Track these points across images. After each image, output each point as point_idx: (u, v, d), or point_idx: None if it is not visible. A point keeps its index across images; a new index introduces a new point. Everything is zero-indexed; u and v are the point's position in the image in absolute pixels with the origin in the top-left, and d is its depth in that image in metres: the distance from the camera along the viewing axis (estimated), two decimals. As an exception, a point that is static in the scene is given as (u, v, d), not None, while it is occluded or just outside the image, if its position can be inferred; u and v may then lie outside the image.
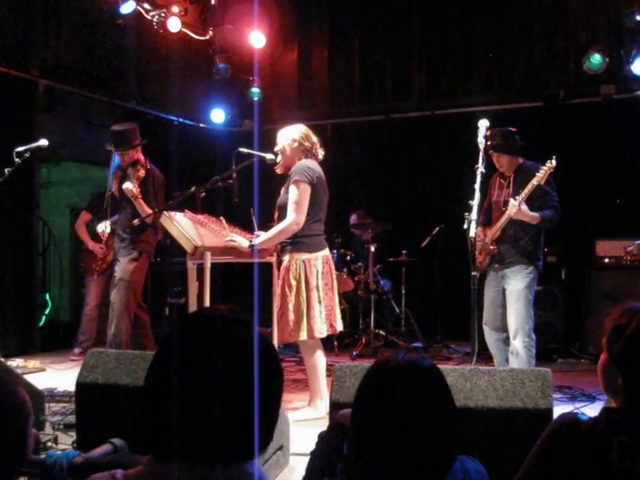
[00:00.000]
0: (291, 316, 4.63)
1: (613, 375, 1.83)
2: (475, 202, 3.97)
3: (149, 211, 5.67)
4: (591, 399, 5.17)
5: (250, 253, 4.76)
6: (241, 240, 4.77)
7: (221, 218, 5.02)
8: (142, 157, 5.98)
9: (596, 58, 7.13)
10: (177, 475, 1.24)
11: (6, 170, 5.40)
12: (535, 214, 4.85)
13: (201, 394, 1.24)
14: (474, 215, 3.91)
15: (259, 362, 1.29)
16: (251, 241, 4.72)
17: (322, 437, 2.16)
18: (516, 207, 4.73)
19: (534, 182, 4.68)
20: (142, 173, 5.89)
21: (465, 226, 3.94)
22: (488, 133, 4.63)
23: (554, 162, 4.65)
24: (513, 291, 5.00)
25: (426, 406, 1.63)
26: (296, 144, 4.76)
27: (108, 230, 5.99)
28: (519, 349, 4.91)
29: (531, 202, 4.87)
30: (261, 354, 1.30)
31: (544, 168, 4.67)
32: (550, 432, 1.86)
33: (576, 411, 4.50)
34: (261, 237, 4.74)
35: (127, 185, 5.71)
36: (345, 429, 2.05)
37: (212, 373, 1.24)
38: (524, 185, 4.82)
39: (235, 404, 1.24)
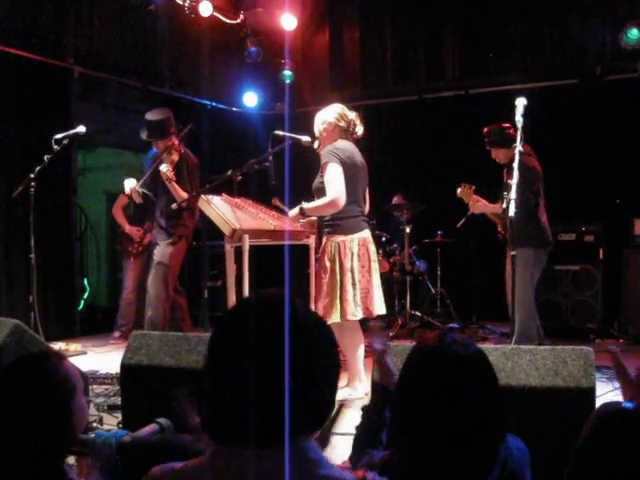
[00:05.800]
0: (325, 298, 4.65)
1: None
2: (514, 181, 3.92)
3: (184, 194, 5.69)
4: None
5: (284, 235, 4.76)
6: (292, 211, 4.78)
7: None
8: (176, 141, 6.00)
9: (634, 33, 7.00)
10: (243, 462, 1.24)
11: (45, 157, 5.48)
12: (495, 205, 5.38)
13: (264, 378, 1.23)
14: (513, 194, 3.87)
15: (319, 343, 1.31)
16: (301, 207, 4.71)
17: (366, 409, 2.18)
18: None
19: None
20: (176, 157, 5.90)
21: (504, 205, 3.91)
22: (484, 131, 5.15)
23: None
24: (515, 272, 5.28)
25: (474, 394, 1.61)
26: (332, 126, 4.75)
27: (136, 187, 5.96)
28: (517, 324, 5.15)
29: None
30: (319, 336, 1.32)
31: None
32: (595, 423, 1.82)
33: (617, 400, 4.46)
34: (310, 204, 4.72)
35: (162, 167, 5.73)
36: (387, 392, 2.06)
37: (276, 356, 1.23)
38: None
39: (298, 384, 1.24)
